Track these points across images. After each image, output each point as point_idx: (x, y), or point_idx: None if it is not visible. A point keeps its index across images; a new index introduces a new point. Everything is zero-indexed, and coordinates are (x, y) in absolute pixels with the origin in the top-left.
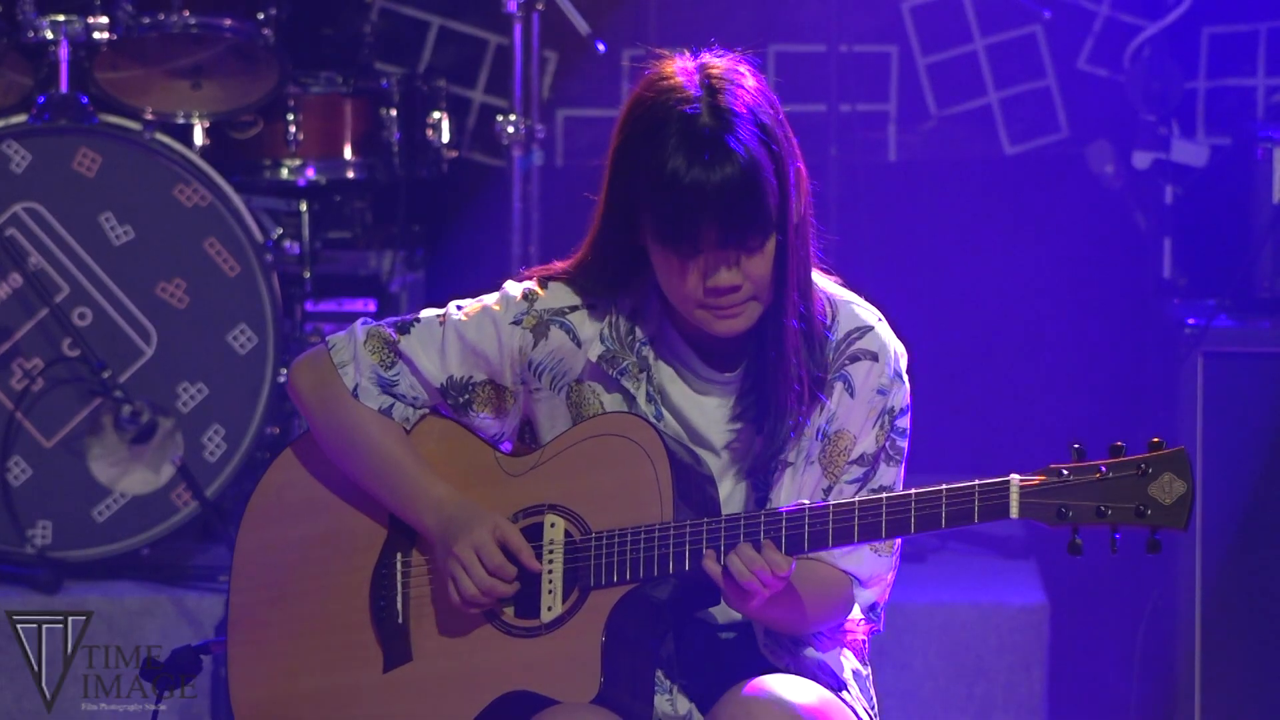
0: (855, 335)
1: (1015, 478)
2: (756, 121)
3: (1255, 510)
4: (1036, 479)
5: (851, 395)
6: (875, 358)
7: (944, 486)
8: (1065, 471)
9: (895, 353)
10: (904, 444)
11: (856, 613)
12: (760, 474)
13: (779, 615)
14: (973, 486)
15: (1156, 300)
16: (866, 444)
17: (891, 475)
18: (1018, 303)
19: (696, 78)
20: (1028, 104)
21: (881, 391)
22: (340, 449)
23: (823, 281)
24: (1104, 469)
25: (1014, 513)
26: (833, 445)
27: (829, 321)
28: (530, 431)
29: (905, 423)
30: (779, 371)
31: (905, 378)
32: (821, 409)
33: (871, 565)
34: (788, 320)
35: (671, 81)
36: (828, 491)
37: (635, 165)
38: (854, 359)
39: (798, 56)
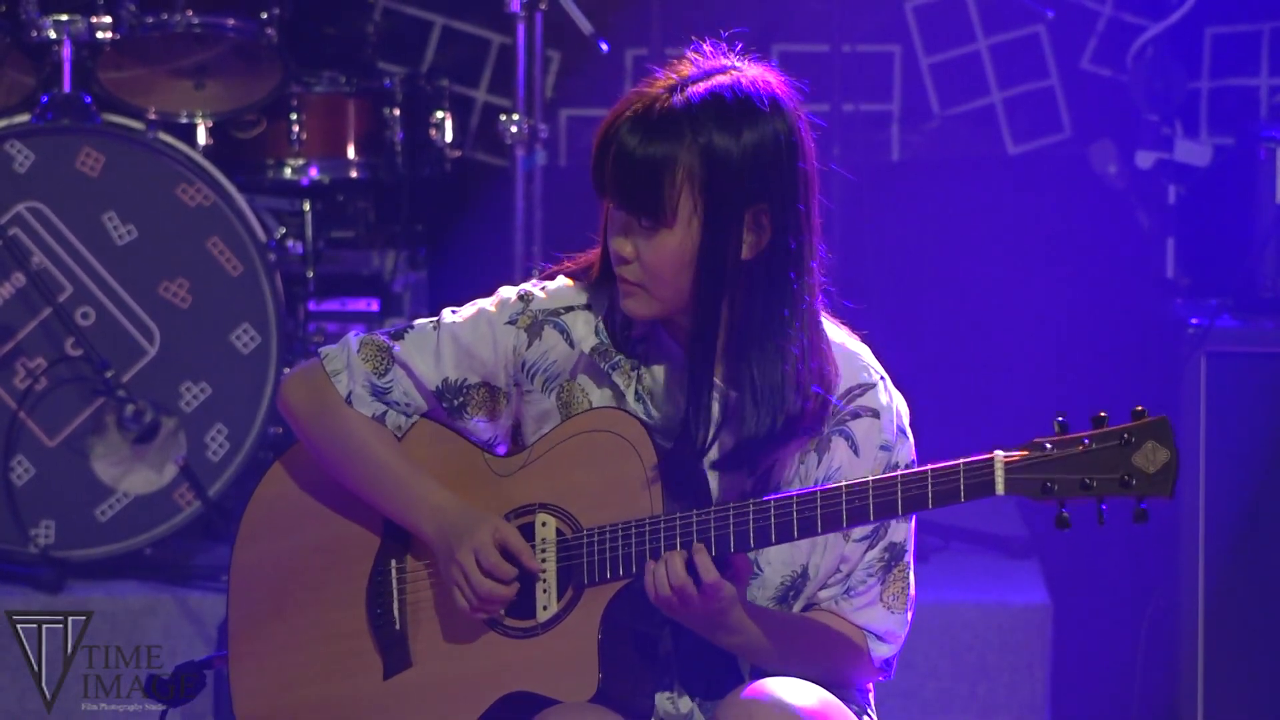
0: (857, 392)
1: (999, 454)
2: (713, 144)
3: (1258, 510)
4: (1020, 454)
5: (856, 453)
6: (876, 415)
7: (929, 467)
8: (1049, 445)
9: (897, 410)
10: None
11: None
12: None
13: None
14: (958, 465)
15: (1159, 300)
16: None
17: (903, 532)
18: (1019, 303)
19: (703, 69)
20: (1031, 104)
21: (885, 448)
22: (335, 458)
23: (831, 329)
24: (1087, 440)
25: (999, 489)
26: None
27: (834, 376)
28: (518, 435)
29: None
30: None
31: (909, 434)
32: (820, 459)
33: (885, 621)
34: (704, 343)
35: (682, 69)
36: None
37: None
38: (855, 415)
39: (800, 56)
